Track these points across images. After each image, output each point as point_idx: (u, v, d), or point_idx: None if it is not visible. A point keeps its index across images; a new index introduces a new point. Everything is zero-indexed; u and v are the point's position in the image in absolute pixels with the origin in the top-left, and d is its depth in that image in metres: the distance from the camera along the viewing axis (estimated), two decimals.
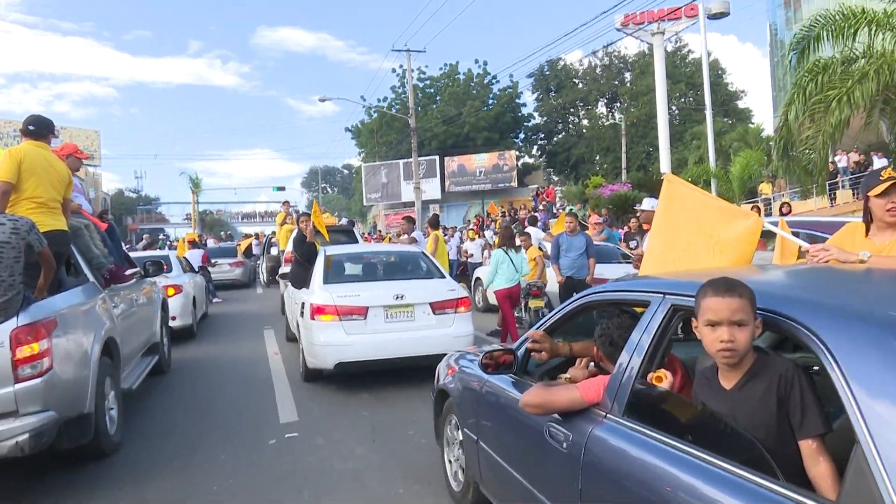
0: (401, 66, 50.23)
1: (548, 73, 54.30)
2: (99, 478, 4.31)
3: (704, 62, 19.25)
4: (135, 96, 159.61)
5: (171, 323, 9.57)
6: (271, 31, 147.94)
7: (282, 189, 51.40)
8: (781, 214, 12.72)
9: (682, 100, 54.15)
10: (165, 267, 7.54)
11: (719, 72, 53.14)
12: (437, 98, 51.45)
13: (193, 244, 16.96)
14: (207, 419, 5.57)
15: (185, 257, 12.50)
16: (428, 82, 51.55)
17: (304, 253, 7.35)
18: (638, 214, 12.39)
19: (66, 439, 4.26)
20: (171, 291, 9.90)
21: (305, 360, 6.39)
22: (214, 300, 15.68)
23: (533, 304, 8.69)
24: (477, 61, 51.97)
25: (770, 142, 28.50)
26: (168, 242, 23.48)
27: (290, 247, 12.05)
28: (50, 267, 4.15)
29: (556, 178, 55.12)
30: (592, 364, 2.59)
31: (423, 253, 7.41)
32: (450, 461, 3.66)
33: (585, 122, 55.50)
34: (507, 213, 28.32)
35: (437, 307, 6.23)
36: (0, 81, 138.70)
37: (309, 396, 6.14)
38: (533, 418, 2.38)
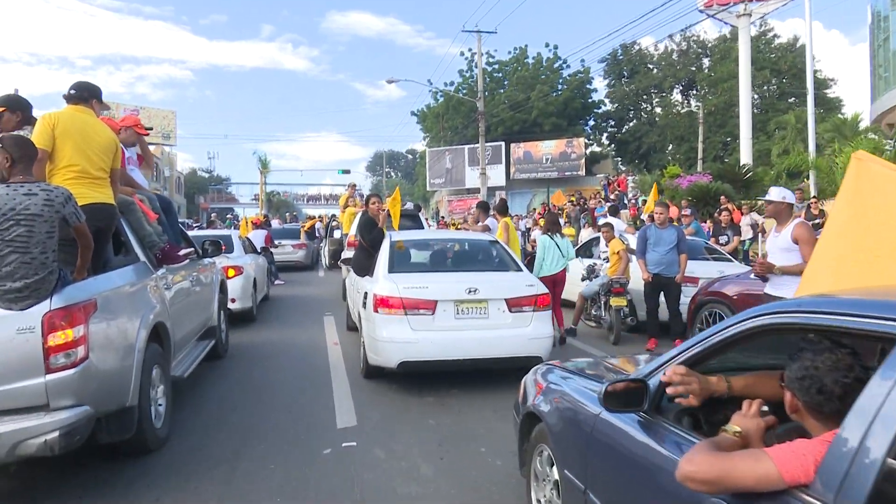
0: (469, 50, 49.47)
1: (621, 57, 52.34)
2: (133, 479, 3.88)
3: (808, 40, 17.51)
4: (210, 79, 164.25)
5: (230, 305, 9.26)
6: (341, 15, 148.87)
7: (347, 172, 51.60)
8: None
9: (765, 87, 51.17)
10: (224, 247, 7.11)
11: (804, 59, 49.93)
12: (505, 83, 50.37)
13: (258, 225, 16.84)
14: (260, 417, 5.10)
15: (247, 238, 12.24)
16: (496, 67, 50.48)
17: (372, 239, 6.81)
18: (761, 205, 11.30)
19: (105, 434, 3.85)
20: (231, 273, 9.61)
21: (366, 356, 5.84)
22: (276, 282, 15.49)
23: (615, 302, 7.90)
24: (547, 45, 50.48)
25: (872, 132, 26.28)
26: (235, 222, 23.64)
27: (353, 230, 11.62)
28: (86, 244, 3.71)
29: (623, 168, 53.26)
30: (764, 408, 1.85)
31: (498, 242, 6.74)
32: (538, 501, 3.01)
33: (658, 109, 53.37)
34: (576, 203, 27.24)
35: (514, 304, 5.56)
36: (87, 63, 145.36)
37: (369, 397, 5.60)
38: (685, 489, 1.68)
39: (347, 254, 11.21)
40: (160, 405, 4.58)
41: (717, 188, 18.48)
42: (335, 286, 13.98)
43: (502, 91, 49.60)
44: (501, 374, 6.01)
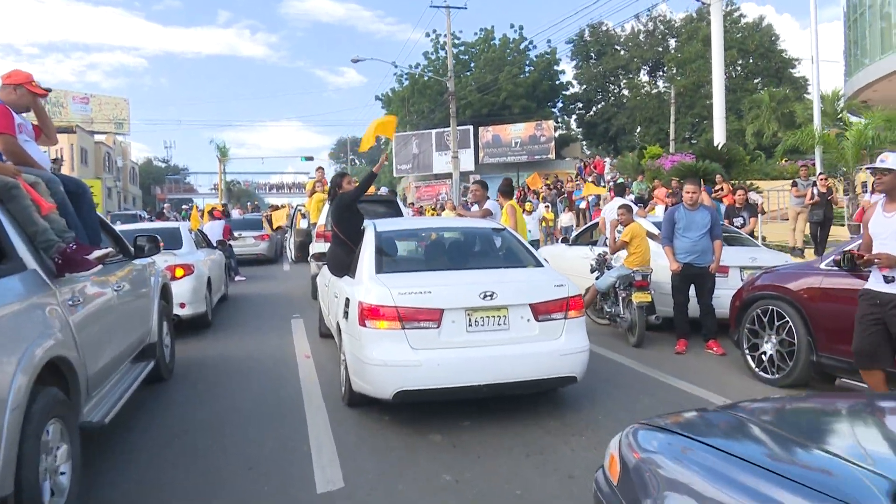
0: (434, 31, 47.99)
1: (588, 38, 51.44)
2: None
3: (812, 9, 16.32)
4: (165, 67, 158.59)
5: (178, 312, 7.86)
6: (300, 0, 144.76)
7: (310, 159, 49.67)
8: None
9: (732, 67, 50.97)
10: (162, 244, 5.69)
11: (773, 38, 49.82)
12: (472, 65, 48.97)
13: (214, 216, 15.25)
14: (210, 476, 3.76)
15: (199, 230, 10.73)
16: (462, 48, 48.98)
17: (349, 229, 5.45)
18: (873, 173, 10.11)
19: None
20: (179, 273, 8.20)
21: (350, 380, 4.53)
22: (237, 278, 13.99)
23: (638, 298, 6.71)
24: (512, 26, 49.23)
25: (850, 109, 25.71)
26: (190, 213, 21.87)
27: (322, 219, 10.22)
28: None
29: (587, 153, 52.56)
30: None
31: (507, 230, 5.45)
32: None
33: (626, 91, 52.70)
34: (552, 186, 26.14)
35: (541, 310, 4.30)
36: (34, 52, 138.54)
37: (356, 436, 4.29)
38: None
39: (318, 246, 9.85)
40: (62, 474, 3.21)
41: (705, 167, 17.55)
42: (303, 282, 12.57)
43: (469, 73, 48.21)
44: (528, 399, 4.78)
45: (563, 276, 4.67)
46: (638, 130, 49.36)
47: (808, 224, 11.93)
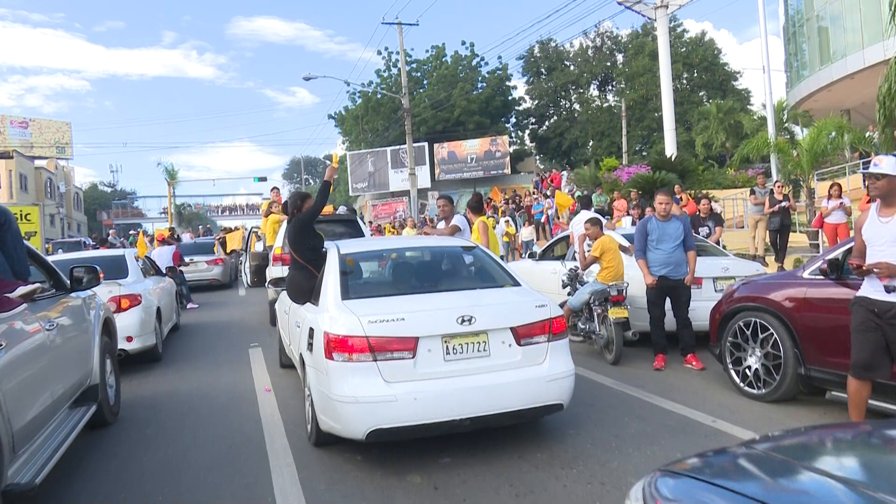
0: (386, 49, 47.89)
1: (538, 54, 52.21)
2: None
3: (762, 20, 16.65)
4: (109, 89, 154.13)
5: (125, 346, 7.33)
6: (247, 20, 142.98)
7: (263, 180, 48.76)
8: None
9: (678, 81, 52.40)
10: (102, 274, 5.20)
11: (715, 51, 51.43)
12: (425, 82, 49.01)
13: (165, 241, 14.57)
14: None
15: (147, 257, 10.12)
16: (415, 66, 48.99)
17: (309, 252, 5.05)
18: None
19: None
20: (124, 304, 7.66)
21: (317, 418, 4.12)
22: (189, 306, 13.34)
23: (614, 313, 6.48)
24: (464, 42, 49.56)
25: (793, 118, 26.47)
26: (137, 239, 20.89)
27: (279, 241, 9.75)
28: None
29: (541, 167, 53.12)
30: None
31: (479, 247, 5.13)
32: None
33: (577, 106, 53.57)
34: (510, 200, 26.10)
35: (523, 334, 3.99)
36: None
37: (326, 481, 3.88)
38: None
39: (275, 270, 9.38)
40: None
41: (662, 178, 17.68)
42: (260, 307, 12.04)
43: (422, 90, 48.19)
44: (512, 429, 4.46)
45: (544, 295, 4.38)
46: (590, 144, 50.13)
47: (767, 231, 12.01)
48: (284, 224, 9.98)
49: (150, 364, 7.83)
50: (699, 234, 9.40)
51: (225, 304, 14.08)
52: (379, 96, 45.63)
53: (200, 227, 35.97)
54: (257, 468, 4.14)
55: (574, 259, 8.13)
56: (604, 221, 8.36)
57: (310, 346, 4.20)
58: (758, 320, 5.13)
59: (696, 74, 50.17)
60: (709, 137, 33.67)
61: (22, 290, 3.31)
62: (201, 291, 16.24)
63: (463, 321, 3.86)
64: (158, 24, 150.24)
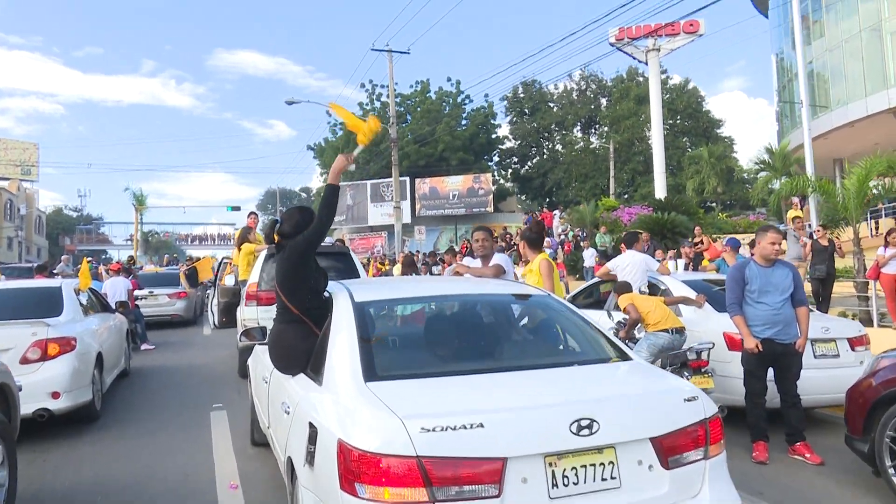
0: (370, 81, 46.92)
1: (522, 95, 51.78)
2: None
3: (799, 55, 15.78)
4: (83, 114, 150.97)
5: (51, 404, 5.64)
6: (228, 53, 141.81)
7: (237, 209, 46.47)
8: None
9: (663, 126, 52.26)
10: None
11: (699, 99, 51.59)
12: (408, 117, 48.01)
13: (120, 270, 12.72)
14: None
15: (92, 290, 8.33)
16: (398, 100, 48.00)
17: (304, 292, 3.36)
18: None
19: None
20: (52, 350, 5.95)
21: None
22: (144, 347, 11.46)
23: (697, 383, 4.92)
24: (449, 79, 48.80)
25: (799, 161, 25.76)
26: (96, 266, 18.84)
27: (255, 275, 8.09)
28: None
29: (520, 207, 52.22)
30: None
31: (556, 298, 3.55)
32: None
33: (560, 147, 53.10)
34: (499, 239, 24.68)
35: (670, 448, 2.41)
36: None
37: None
38: None
39: (249, 312, 7.70)
40: None
41: (672, 220, 16.47)
42: (228, 352, 10.26)
43: (405, 125, 47.13)
44: None
45: (683, 380, 2.80)
46: (573, 185, 49.42)
47: (807, 280, 10.66)
48: (262, 255, 8.35)
49: (82, 427, 6.07)
50: None
51: (187, 346, 12.20)
52: None
53: (166, 255, 33.82)
54: None
55: (617, 309, 6.59)
56: (655, 265, 6.86)
57: (310, 457, 2.54)
58: None
59: (679, 120, 50.13)
60: (700, 182, 32.90)
61: None
62: (161, 329, 14.32)
63: (580, 428, 2.26)
64: (138, 53, 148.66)
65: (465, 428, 2.16)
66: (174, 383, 8.39)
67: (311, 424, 2.61)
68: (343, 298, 3.19)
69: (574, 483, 2.27)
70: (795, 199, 23.50)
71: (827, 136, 26.53)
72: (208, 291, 16.82)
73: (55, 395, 5.76)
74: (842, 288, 11.11)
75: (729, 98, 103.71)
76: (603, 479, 2.30)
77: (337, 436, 2.30)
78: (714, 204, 30.12)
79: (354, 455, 2.18)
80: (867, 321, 9.56)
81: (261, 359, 4.57)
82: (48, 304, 6.74)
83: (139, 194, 46.25)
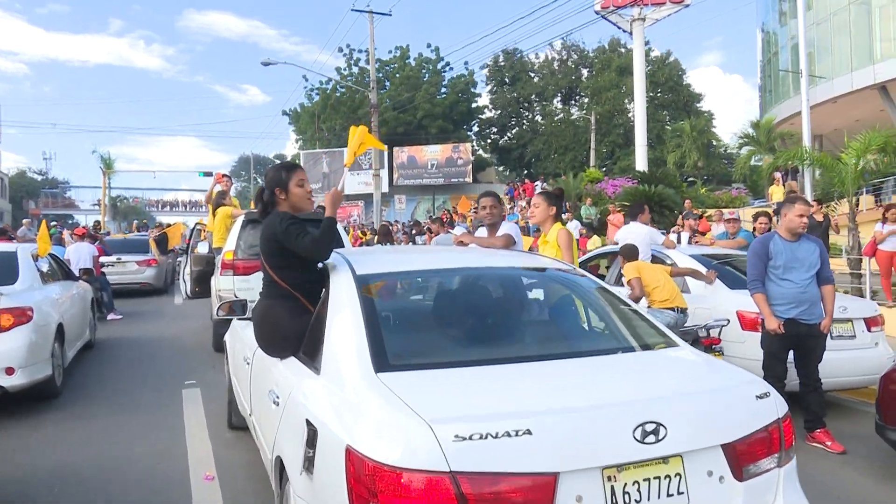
0: (348, 46, 45.57)
1: (503, 63, 50.87)
2: None
3: (801, 26, 15.37)
4: (48, 74, 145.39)
5: (4, 380, 5.12)
6: (200, 14, 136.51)
7: (209, 175, 44.93)
8: None
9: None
10: None
11: (680, 72, 51.26)
12: (387, 84, 46.89)
13: (85, 236, 12.02)
14: None
15: (53, 256, 7.71)
16: (377, 66, 46.81)
17: (295, 265, 2.85)
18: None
19: None
20: (5, 321, 5.41)
21: None
22: (110, 317, 10.87)
23: None
24: (429, 45, 47.63)
25: (784, 136, 25.61)
26: (60, 231, 18.00)
27: (231, 242, 7.56)
28: None
29: (497, 178, 51.74)
30: None
31: (584, 274, 3.11)
32: None
33: (540, 118, 52.49)
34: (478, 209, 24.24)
35: (744, 455, 2.02)
36: None
37: None
38: None
39: (224, 282, 7.19)
40: None
41: (660, 193, 16.17)
42: (201, 323, 9.74)
43: (384, 91, 46.04)
44: None
45: (741, 369, 2.41)
46: (553, 157, 48.99)
47: None
48: (240, 221, 7.79)
49: (41, 406, 5.56)
50: None
51: (157, 316, 11.61)
52: (339, 93, 43.31)
53: (135, 221, 32.73)
54: None
55: (621, 284, 6.21)
56: (660, 239, 6.48)
57: (307, 463, 2.10)
58: None
59: (660, 94, 49.75)
60: (681, 156, 32.71)
61: None
62: (129, 298, 13.67)
63: (645, 434, 1.85)
64: (105, 11, 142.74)
65: (508, 435, 1.73)
66: (143, 357, 7.86)
67: (308, 423, 2.16)
68: (343, 271, 2.72)
69: (636, 500, 1.87)
70: (778, 175, 23.41)
71: (810, 111, 26.43)
72: (179, 259, 16.15)
73: (9, 371, 5.24)
74: (833, 265, 10.90)
75: (705, 73, 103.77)
76: (669, 495, 1.91)
77: (344, 441, 1.86)
78: (695, 178, 29.96)
79: (368, 467, 1.75)
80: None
81: (240, 335, 4.10)
82: (2, 271, 6.16)
83: (107, 157, 44.75)
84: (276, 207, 3.05)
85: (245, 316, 4.08)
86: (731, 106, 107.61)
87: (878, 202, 20.23)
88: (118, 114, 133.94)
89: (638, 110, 32.60)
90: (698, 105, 50.14)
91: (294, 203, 3.07)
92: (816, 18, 25.81)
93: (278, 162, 3.04)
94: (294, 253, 2.86)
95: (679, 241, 8.49)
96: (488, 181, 48.65)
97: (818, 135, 29.48)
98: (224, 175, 9.11)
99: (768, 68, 31.70)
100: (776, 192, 22.03)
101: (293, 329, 2.80)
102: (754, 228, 8.05)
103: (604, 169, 45.26)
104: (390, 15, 24.30)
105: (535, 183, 27.57)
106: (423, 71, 46.25)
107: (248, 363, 3.48)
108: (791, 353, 4.60)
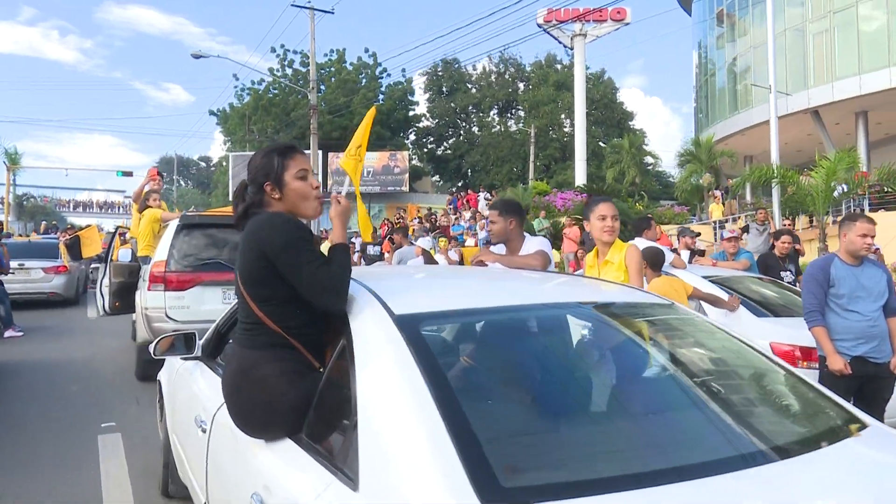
0: (282, 46, 43.95)
1: (441, 73, 50.47)
2: None
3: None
4: None
5: None
6: (120, 7, 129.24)
7: (128, 175, 41.94)
8: None
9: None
10: None
11: (613, 90, 52.40)
12: (322, 87, 45.46)
13: None
14: None
15: None
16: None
17: (292, 302, 1.84)
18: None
19: None
20: None
21: None
22: (8, 334, 9.29)
23: None
24: (367, 50, 46.54)
25: (725, 156, 26.05)
26: None
27: (162, 251, 6.36)
28: None
29: (434, 189, 51.25)
30: None
31: (692, 311, 2.27)
32: None
33: (477, 129, 52.39)
34: (424, 219, 23.41)
35: None
36: None
37: None
38: None
39: (153, 298, 6.00)
40: None
41: (621, 207, 15.79)
42: (120, 342, 8.40)
43: (319, 94, 44.58)
44: None
45: None
46: (490, 169, 48.86)
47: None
48: (173, 226, 6.58)
49: None
50: (783, 279, 6.96)
51: (66, 333, 10.05)
52: (272, 94, 41.57)
53: (44, 222, 29.87)
54: None
55: None
56: (671, 256, 5.79)
57: None
58: None
59: (595, 110, 50.61)
60: (620, 172, 33.04)
61: None
62: (33, 310, 11.97)
63: None
64: None
65: None
66: (48, 385, 6.50)
67: None
68: (368, 307, 1.77)
69: None
70: (718, 193, 23.73)
71: (745, 133, 27.11)
72: (95, 266, 14.43)
73: None
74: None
75: (627, 94, 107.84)
76: None
77: None
78: (632, 194, 30.25)
79: None
80: None
81: (186, 381, 3.05)
82: None
83: (13, 152, 41.12)
84: (265, 209, 2.07)
85: (192, 355, 3.05)
86: (650, 126, 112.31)
87: (835, 221, 20.82)
88: (26, 106, 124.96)
89: (578, 125, 32.75)
90: (631, 123, 51.35)
91: (291, 205, 2.10)
92: (753, 42, 26.54)
93: (266, 148, 2.07)
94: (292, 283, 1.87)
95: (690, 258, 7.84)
96: (424, 191, 47.99)
97: (749, 155, 30.41)
98: (159, 172, 7.81)
99: (704, 89, 32.47)
100: (716, 210, 22.30)
101: (293, 398, 1.81)
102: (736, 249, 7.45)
103: (542, 181, 45.47)
104: (332, 13, 23.16)
105: (478, 194, 26.93)
106: (361, 76, 45.17)
107: (203, 430, 2.44)
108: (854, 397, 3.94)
